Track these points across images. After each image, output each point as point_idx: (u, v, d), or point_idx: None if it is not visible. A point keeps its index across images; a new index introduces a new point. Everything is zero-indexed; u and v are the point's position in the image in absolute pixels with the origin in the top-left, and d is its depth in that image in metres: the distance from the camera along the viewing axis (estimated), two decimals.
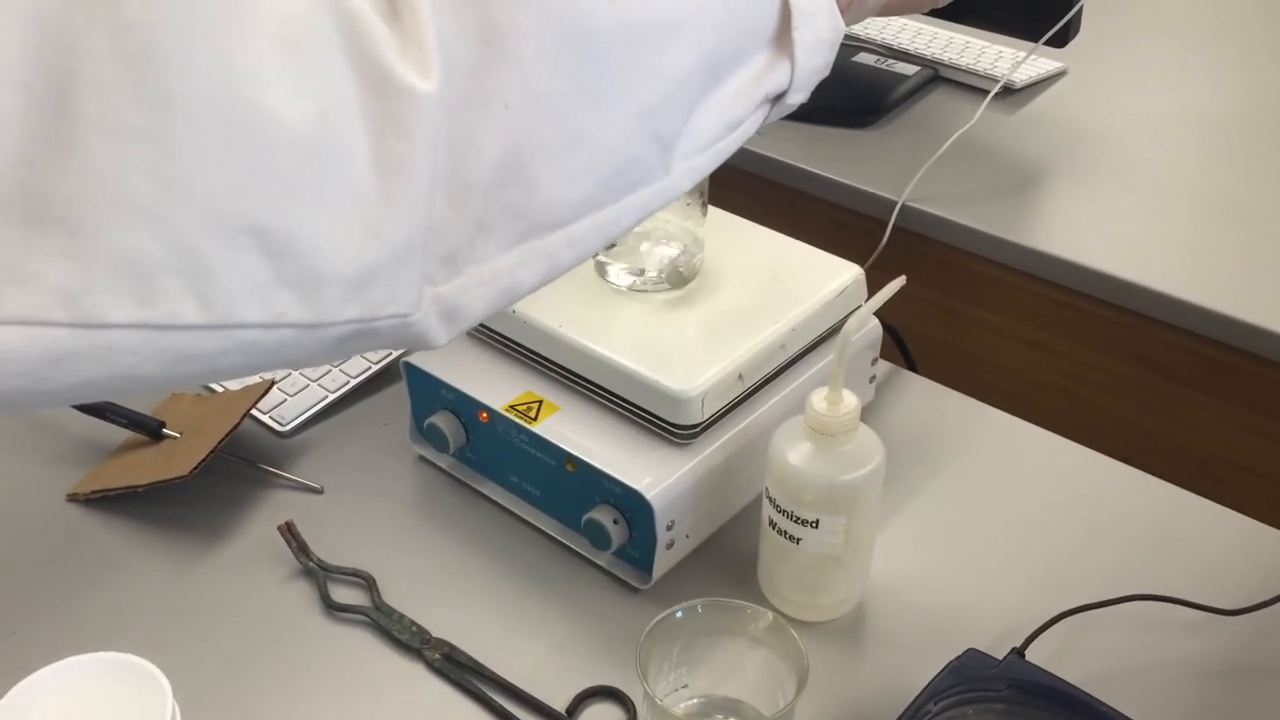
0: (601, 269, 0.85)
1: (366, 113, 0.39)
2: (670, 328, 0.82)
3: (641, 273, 0.84)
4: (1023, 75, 1.41)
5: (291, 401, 0.92)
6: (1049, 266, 1.17)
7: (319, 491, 0.86)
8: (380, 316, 0.43)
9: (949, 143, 1.23)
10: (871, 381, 0.93)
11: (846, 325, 0.70)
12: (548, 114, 0.44)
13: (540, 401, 0.82)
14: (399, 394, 0.94)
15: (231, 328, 0.39)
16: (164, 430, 0.87)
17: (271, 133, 0.37)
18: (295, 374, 0.94)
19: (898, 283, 0.73)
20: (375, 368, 0.95)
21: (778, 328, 0.82)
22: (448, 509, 0.85)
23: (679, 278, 0.85)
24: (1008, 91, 1.40)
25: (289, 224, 0.38)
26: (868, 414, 0.91)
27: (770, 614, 0.66)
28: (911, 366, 1.01)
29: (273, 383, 0.89)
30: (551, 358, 0.82)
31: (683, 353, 0.79)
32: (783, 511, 0.73)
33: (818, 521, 0.72)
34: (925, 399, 0.95)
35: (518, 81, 0.43)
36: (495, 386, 0.83)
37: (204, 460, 0.82)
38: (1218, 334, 1.10)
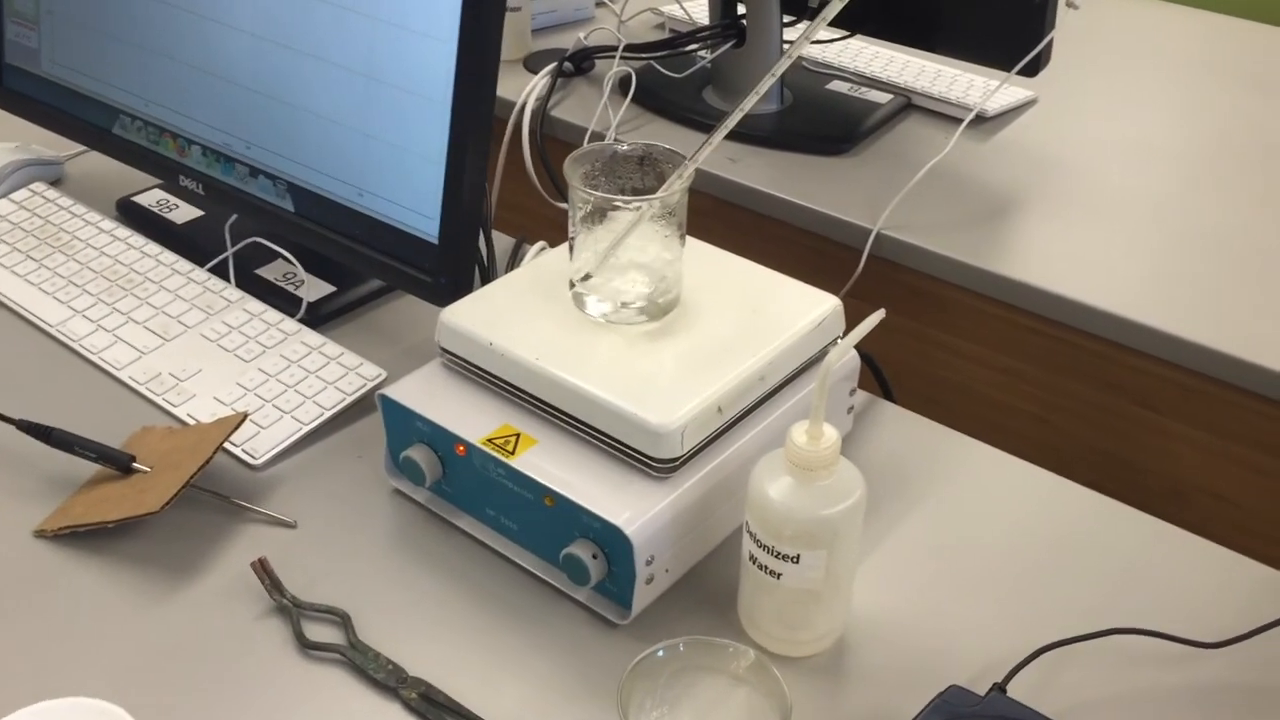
0: (579, 300, 0.85)
1: None
2: (648, 360, 0.81)
3: (620, 304, 0.84)
4: (994, 104, 1.42)
5: (264, 434, 0.91)
6: (1022, 294, 1.17)
7: (292, 526, 0.85)
8: None
9: (923, 171, 1.23)
10: (850, 412, 0.92)
11: (827, 359, 0.70)
12: None
13: (518, 435, 0.81)
14: (373, 426, 0.93)
15: None
16: (134, 464, 0.86)
17: None
18: (269, 406, 0.93)
19: (877, 316, 0.73)
20: (349, 399, 0.94)
21: (757, 360, 0.81)
22: (424, 543, 0.84)
23: (657, 309, 0.84)
24: (979, 120, 1.41)
25: None
26: (846, 445, 0.90)
27: (753, 652, 0.65)
28: (889, 396, 1.01)
29: (246, 415, 0.88)
30: (529, 390, 0.81)
31: (661, 385, 0.79)
32: (763, 546, 0.73)
33: (798, 557, 0.72)
34: (902, 429, 0.95)
35: None
36: (472, 419, 0.82)
37: (175, 495, 0.81)
38: (1189, 362, 1.11)
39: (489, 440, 0.80)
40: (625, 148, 0.85)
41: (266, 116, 1.01)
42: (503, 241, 1.16)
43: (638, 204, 0.81)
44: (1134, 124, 1.43)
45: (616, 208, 0.81)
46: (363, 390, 0.95)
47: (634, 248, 0.83)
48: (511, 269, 1.11)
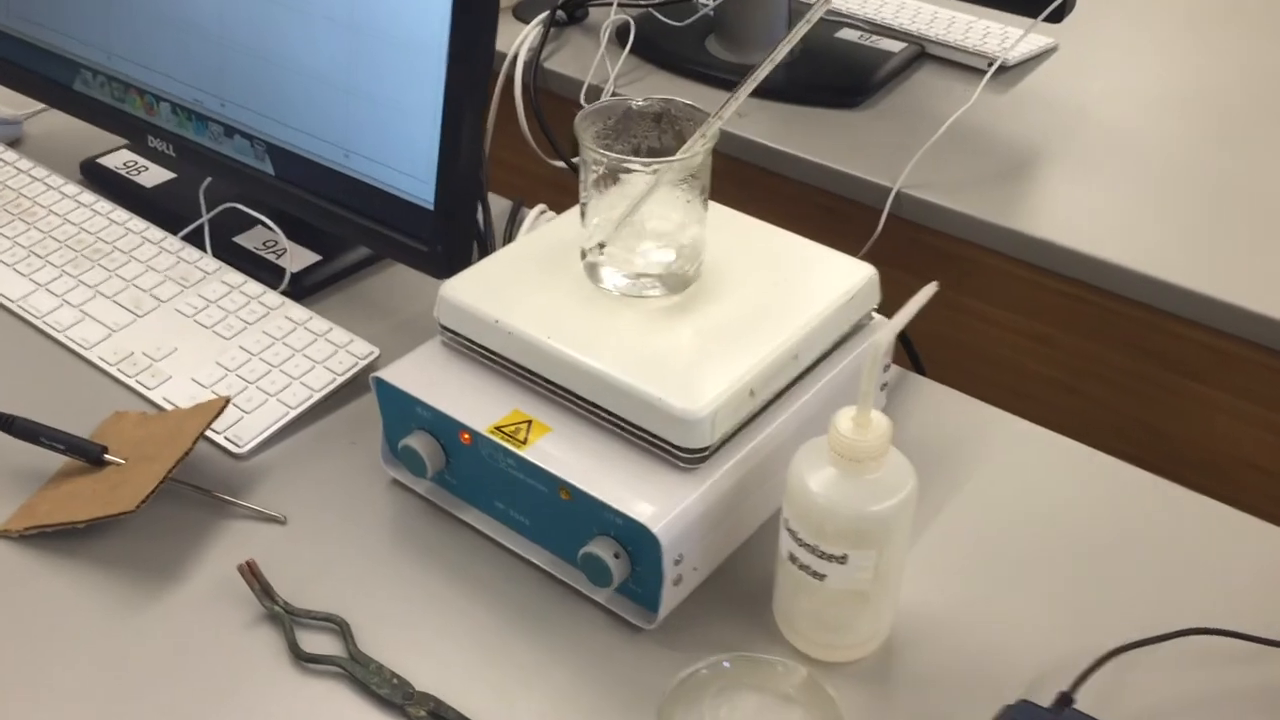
0: (593, 271, 0.77)
1: None
2: (671, 337, 0.74)
3: (637, 276, 0.76)
4: (1014, 52, 1.34)
5: (248, 419, 0.83)
6: (1050, 255, 1.10)
7: (282, 522, 0.78)
8: None
9: (946, 125, 1.16)
10: (883, 389, 0.85)
11: (876, 339, 0.63)
12: None
13: (529, 422, 0.74)
14: (367, 408, 0.86)
15: None
16: (106, 456, 0.78)
17: None
18: (253, 388, 0.85)
19: (928, 290, 0.66)
20: (340, 379, 0.87)
21: (789, 336, 0.74)
22: (427, 539, 0.77)
23: (678, 281, 0.77)
24: (998, 70, 1.33)
25: None
26: None
27: (804, 669, 0.59)
28: (919, 369, 0.94)
29: (228, 400, 0.80)
30: (540, 373, 0.74)
31: (687, 366, 0.72)
32: (805, 545, 0.66)
33: (845, 557, 0.65)
34: (936, 405, 0.89)
35: None
36: (477, 405, 0.75)
37: (152, 493, 0.73)
38: (1226, 325, 1.05)
39: (497, 428, 0.73)
40: (640, 103, 0.77)
41: (242, 71, 0.92)
42: (498, 204, 1.08)
43: (656, 166, 0.73)
44: (1160, 72, 1.36)
45: (632, 170, 0.73)
46: (354, 370, 0.87)
47: (652, 214, 0.76)
48: (509, 235, 1.04)
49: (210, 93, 0.95)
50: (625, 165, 0.73)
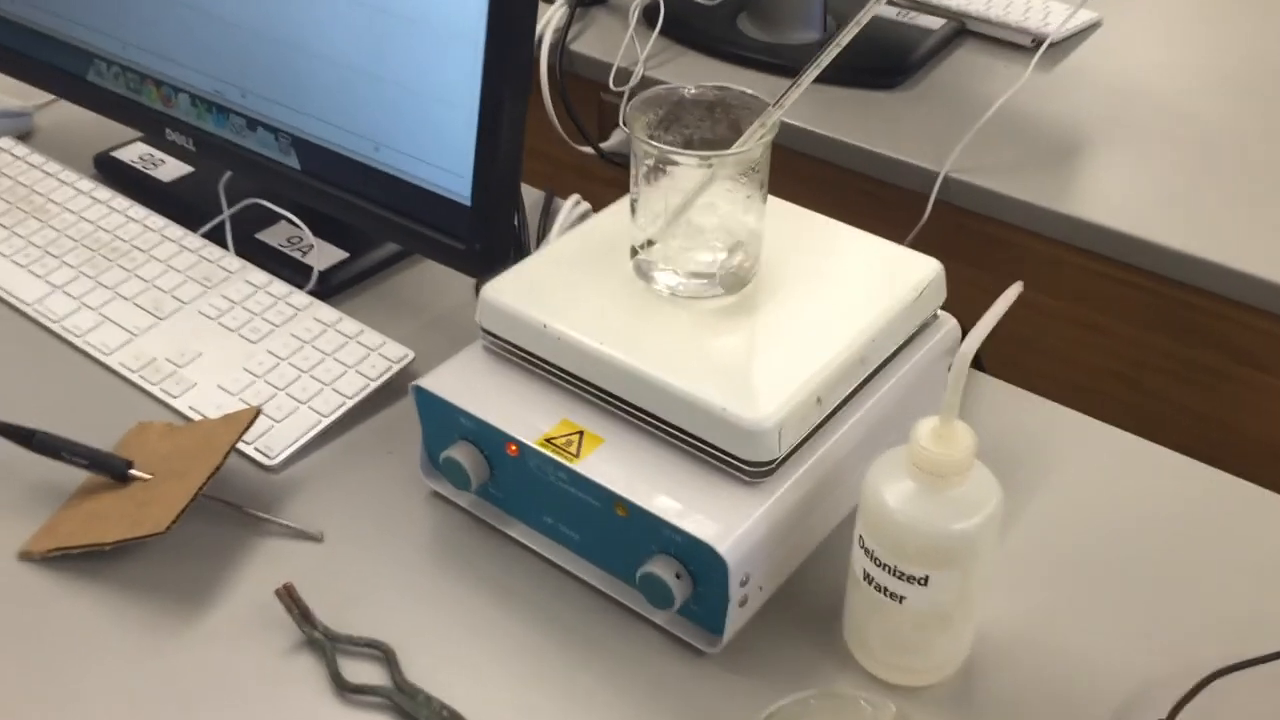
0: (644, 270, 0.73)
1: None
2: (729, 341, 0.70)
3: (691, 275, 0.72)
4: (1059, 28, 1.29)
5: (279, 429, 0.79)
6: (1104, 240, 1.06)
7: (318, 540, 0.73)
8: None
9: (995, 106, 1.11)
10: None
11: (963, 350, 0.58)
12: None
13: (580, 433, 0.69)
14: (403, 414, 0.82)
15: None
16: (131, 472, 0.74)
17: None
18: (282, 395, 0.81)
19: (1014, 291, 0.62)
20: (373, 385, 0.82)
21: (856, 338, 0.70)
22: (471, 556, 0.73)
23: (735, 280, 0.72)
24: (1040, 46, 1.28)
25: None
26: None
27: (892, 706, 0.55)
28: (979, 365, 0.90)
29: (258, 411, 0.76)
30: (593, 381, 0.70)
31: (749, 373, 0.67)
32: (882, 565, 0.62)
33: (927, 578, 0.61)
34: (1001, 405, 0.84)
35: None
36: (524, 415, 0.70)
37: (183, 512, 0.69)
38: None
39: (547, 440, 0.69)
40: (693, 91, 0.72)
41: (265, 60, 0.87)
42: (529, 195, 1.04)
43: (712, 159, 0.69)
44: (1209, 44, 1.31)
45: (686, 164, 0.69)
46: (389, 374, 0.83)
47: (707, 209, 0.71)
48: (544, 229, 0.99)
49: (231, 83, 0.90)
50: (679, 158, 0.69)
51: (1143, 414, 1.11)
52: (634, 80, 1.25)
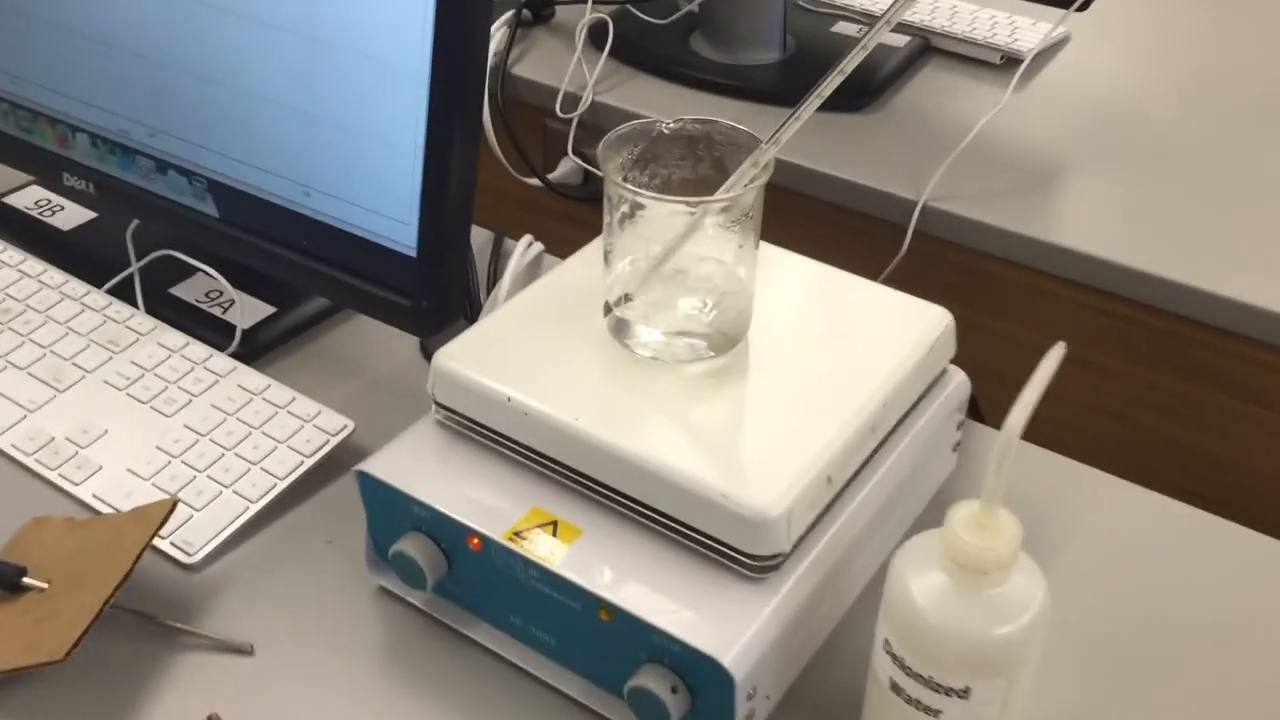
0: (621, 329, 0.64)
1: None
2: (722, 411, 0.61)
3: (676, 334, 0.63)
4: (1028, 44, 1.22)
5: (199, 519, 0.69)
6: (1089, 269, 0.99)
7: (248, 653, 0.63)
8: None
9: (976, 129, 1.04)
10: (955, 450, 0.73)
11: (1008, 423, 0.50)
12: None
13: (554, 523, 0.60)
14: (344, 494, 0.72)
15: None
16: (25, 580, 0.63)
17: None
18: (203, 478, 0.71)
19: (1057, 353, 0.54)
20: (309, 462, 0.72)
21: (865, 403, 0.61)
22: (428, 664, 0.63)
23: (723, 340, 0.64)
24: (1011, 64, 1.21)
25: None
26: (949, 487, 0.72)
27: None
28: (978, 416, 0.82)
29: (175, 501, 0.65)
30: (566, 462, 0.60)
31: (748, 449, 0.59)
32: (915, 676, 0.53)
33: (968, 690, 0.52)
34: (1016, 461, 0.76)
35: None
36: (489, 503, 0.61)
37: (86, 631, 0.59)
38: None
39: (516, 535, 0.59)
40: (672, 125, 0.64)
41: (177, 95, 0.77)
42: (475, 236, 0.94)
43: (700, 204, 0.60)
44: (1184, 57, 1.25)
45: (669, 209, 0.60)
46: (326, 448, 0.73)
47: (692, 259, 0.62)
48: (494, 272, 0.90)
49: (138, 120, 0.80)
50: (658, 204, 0.60)
51: (1137, 453, 1.04)
52: (582, 106, 1.17)
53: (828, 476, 0.59)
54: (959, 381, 0.70)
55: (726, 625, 0.55)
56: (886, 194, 1.04)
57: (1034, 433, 0.78)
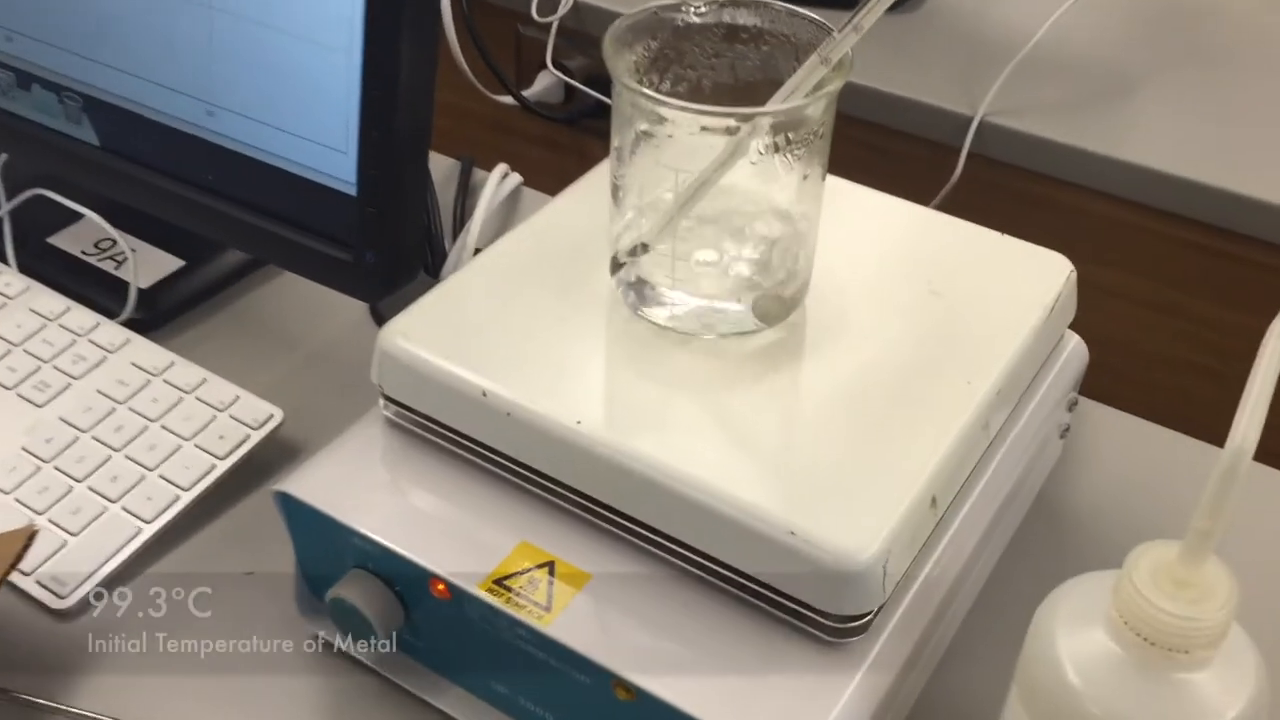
0: (636, 293, 0.47)
1: None
2: (777, 408, 0.45)
3: (710, 298, 0.46)
4: None
5: (76, 546, 0.52)
6: (1176, 193, 0.83)
7: None
8: None
9: (1044, 29, 0.87)
10: (1064, 436, 0.57)
11: (1234, 440, 0.34)
12: None
13: (550, 564, 0.43)
14: (267, 509, 0.55)
15: None
16: None
17: None
18: (81, 488, 0.54)
19: None
20: (223, 466, 0.56)
21: (973, 392, 0.45)
22: None
23: (777, 306, 0.47)
24: None
25: None
26: (1055, 480, 0.56)
27: None
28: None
29: (33, 531, 0.48)
30: (567, 481, 0.44)
31: (819, 462, 0.42)
32: None
33: None
34: (1124, 441, 0.61)
35: None
36: (461, 535, 0.44)
37: None
38: None
39: (498, 583, 0.43)
40: (701, 10, 0.46)
41: None
42: (437, 165, 0.77)
43: (750, 116, 0.43)
44: None
45: (708, 125, 0.43)
46: (245, 447, 0.56)
47: (733, 196, 0.45)
48: (461, 211, 0.72)
49: None
50: (693, 118, 0.43)
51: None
52: (563, 8, 0.98)
53: (931, 497, 0.42)
54: (1073, 349, 0.54)
55: (795, 713, 0.39)
56: (935, 108, 0.87)
57: (1114, 392, 0.64)
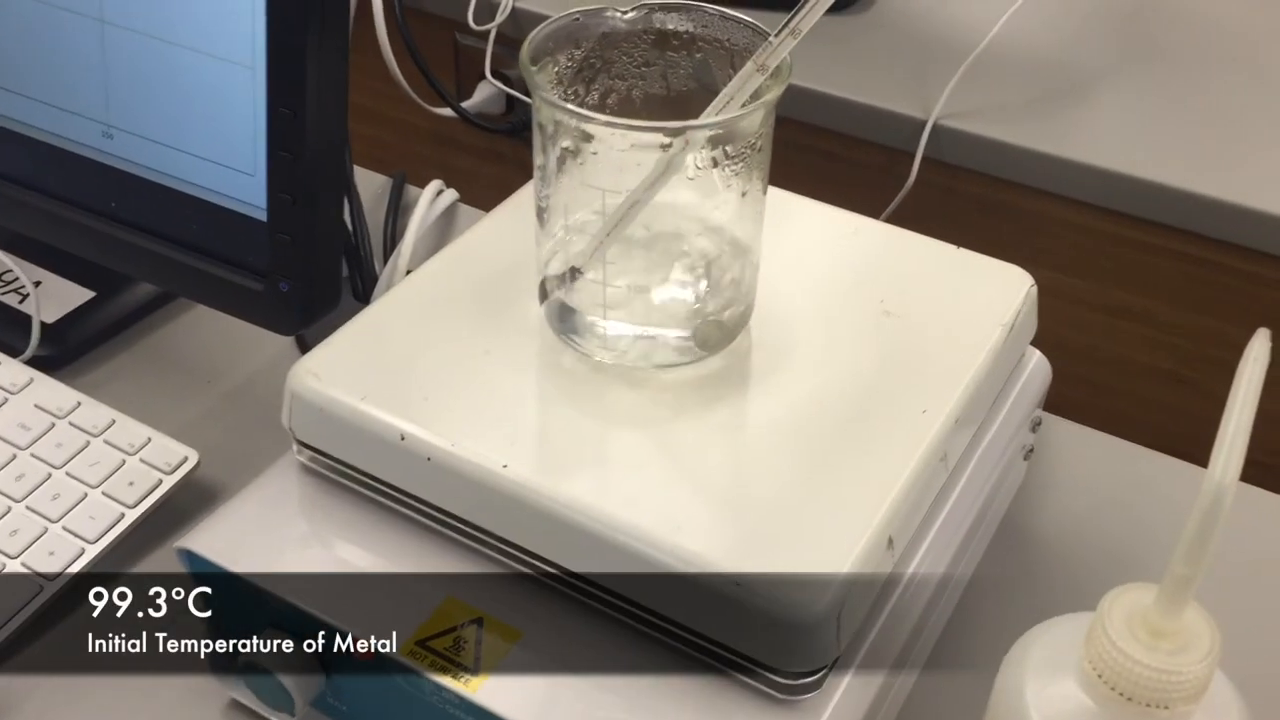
0: (566, 322, 0.43)
1: None
2: (721, 442, 0.41)
3: (647, 326, 0.43)
4: None
5: None
6: (1139, 196, 0.80)
7: None
8: None
9: (997, 27, 0.84)
10: (1028, 457, 0.54)
11: (1213, 475, 0.31)
12: None
13: (478, 621, 0.40)
14: (174, 565, 0.51)
15: None
16: None
17: None
18: None
19: (1260, 347, 0.35)
20: (134, 515, 0.51)
21: (930, 420, 0.42)
22: None
23: (717, 332, 0.44)
24: None
25: None
26: (1021, 505, 0.53)
27: None
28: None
29: None
30: (494, 530, 0.40)
31: (766, 502, 0.39)
32: None
33: None
34: (1090, 459, 0.58)
35: None
36: (381, 592, 0.41)
37: None
38: None
39: (421, 645, 0.39)
40: (629, 16, 0.43)
41: None
42: (366, 182, 0.73)
43: (681, 132, 0.39)
44: None
45: (638, 140, 0.40)
46: (158, 493, 0.52)
47: (671, 214, 0.42)
48: (391, 232, 0.69)
49: None
50: (622, 134, 0.39)
51: (1193, 421, 0.86)
52: (501, 14, 0.95)
53: (888, 538, 0.39)
54: (1035, 366, 0.51)
55: None
56: (887, 112, 0.84)
57: (1075, 400, 0.61)
